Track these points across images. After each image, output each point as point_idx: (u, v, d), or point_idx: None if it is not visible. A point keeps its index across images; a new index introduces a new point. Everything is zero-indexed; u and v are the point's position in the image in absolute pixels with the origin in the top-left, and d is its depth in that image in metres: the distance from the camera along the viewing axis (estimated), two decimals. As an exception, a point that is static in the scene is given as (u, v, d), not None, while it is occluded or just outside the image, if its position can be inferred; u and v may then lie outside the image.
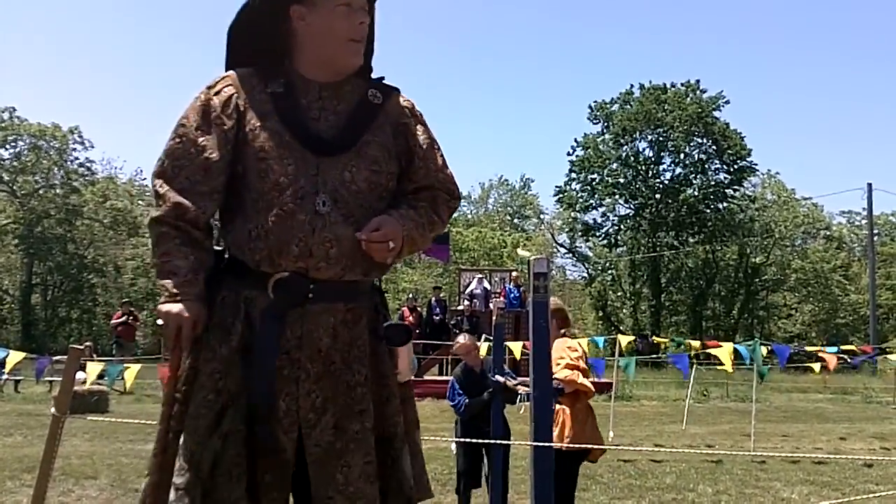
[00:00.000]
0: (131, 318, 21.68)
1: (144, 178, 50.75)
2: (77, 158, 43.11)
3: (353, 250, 2.42)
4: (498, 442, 5.64)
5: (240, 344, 2.41)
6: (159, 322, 2.41)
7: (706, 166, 41.98)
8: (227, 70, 2.64)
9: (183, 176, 2.44)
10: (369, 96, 2.59)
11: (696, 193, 41.55)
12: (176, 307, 2.36)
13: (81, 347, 4.92)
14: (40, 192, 41.80)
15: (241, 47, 2.64)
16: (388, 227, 2.43)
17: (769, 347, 12.10)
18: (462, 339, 6.87)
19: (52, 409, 3.74)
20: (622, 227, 43.15)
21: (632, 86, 43.04)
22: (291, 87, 2.53)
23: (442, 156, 2.70)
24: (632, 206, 42.62)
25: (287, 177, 2.41)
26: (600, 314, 43.60)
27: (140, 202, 47.98)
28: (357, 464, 2.40)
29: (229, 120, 2.48)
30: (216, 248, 2.59)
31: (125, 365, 10.70)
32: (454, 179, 2.72)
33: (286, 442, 2.38)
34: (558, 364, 4.99)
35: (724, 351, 11.29)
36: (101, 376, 10.95)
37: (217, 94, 2.52)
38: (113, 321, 22.48)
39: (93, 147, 43.86)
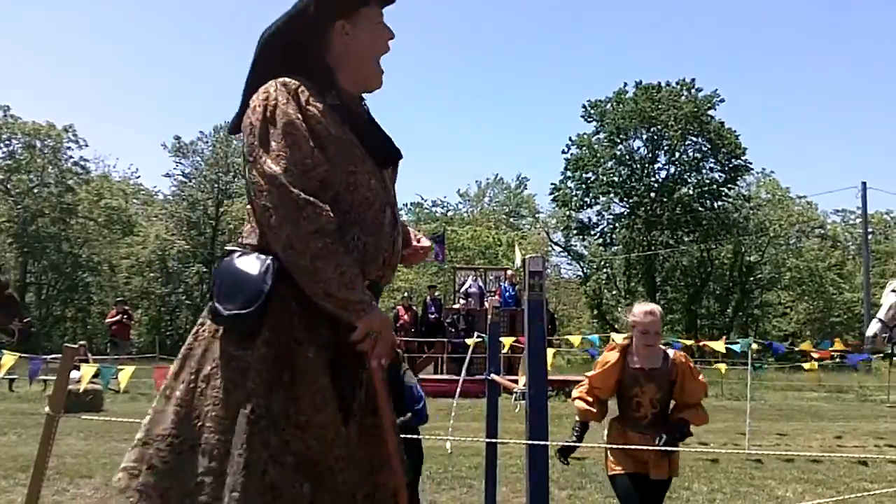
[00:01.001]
0: (126, 317, 21.67)
1: (139, 177, 50.89)
2: (71, 157, 43.15)
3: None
4: (491, 441, 5.63)
5: (328, 346, 2.47)
6: (358, 335, 2.39)
7: (701, 165, 42.03)
8: (255, 76, 2.62)
9: (305, 185, 2.39)
10: (365, 107, 2.71)
11: (690, 192, 41.59)
12: (373, 316, 2.40)
13: (76, 346, 4.91)
14: (34, 190, 41.74)
15: (273, 55, 2.64)
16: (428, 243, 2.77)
17: (762, 344, 12.12)
18: None
19: (47, 409, 3.73)
20: (617, 225, 43.18)
21: (625, 84, 43.13)
22: (344, 101, 2.59)
23: None
24: (627, 205, 42.65)
25: (371, 191, 2.53)
26: (595, 313, 43.64)
27: (134, 201, 47.95)
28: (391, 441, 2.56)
29: (338, 126, 2.52)
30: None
31: (119, 367, 10.67)
32: None
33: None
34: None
35: (719, 344, 11.37)
36: (95, 375, 10.92)
37: (307, 98, 2.51)
38: (108, 320, 22.48)
39: (87, 146, 43.74)
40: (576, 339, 14.45)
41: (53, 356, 12.74)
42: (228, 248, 2.56)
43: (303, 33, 2.62)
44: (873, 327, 6.66)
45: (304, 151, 2.41)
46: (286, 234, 2.35)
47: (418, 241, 2.93)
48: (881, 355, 7.68)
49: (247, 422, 2.34)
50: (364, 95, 2.74)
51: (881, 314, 6.61)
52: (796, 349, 12.04)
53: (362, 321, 2.38)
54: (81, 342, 19.96)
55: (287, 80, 2.52)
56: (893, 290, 6.62)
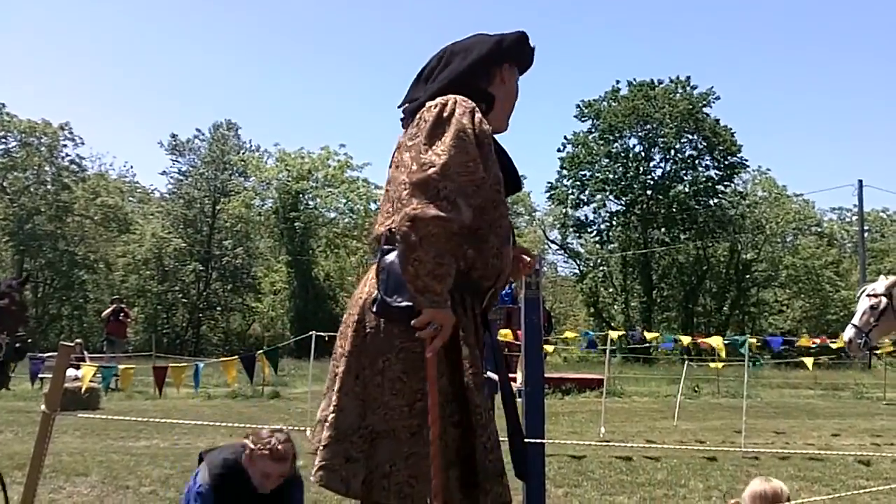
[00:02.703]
0: (122, 314, 21.65)
1: (135, 175, 50.81)
2: (68, 155, 42.97)
3: None
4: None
5: (473, 340, 2.79)
6: (421, 321, 2.59)
7: (696, 163, 42.05)
8: (432, 79, 3.01)
9: (458, 183, 2.61)
10: None
11: (686, 190, 41.60)
12: (446, 312, 2.60)
13: (72, 345, 4.90)
14: (31, 188, 41.65)
15: (451, 65, 3.00)
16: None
17: (759, 341, 12.13)
18: None
19: (43, 407, 3.73)
20: (613, 223, 43.18)
21: (618, 82, 43.14)
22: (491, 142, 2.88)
23: None
24: (623, 203, 42.65)
25: (504, 206, 2.87)
26: (592, 311, 43.66)
27: (131, 199, 47.86)
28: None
29: (488, 149, 2.80)
30: None
31: (119, 367, 10.66)
32: None
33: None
34: None
35: (716, 340, 11.39)
36: (96, 375, 10.93)
37: (480, 119, 2.78)
38: (104, 314, 22.42)
39: (83, 143, 43.61)
40: (571, 335, 14.48)
41: (50, 354, 12.73)
42: (385, 246, 2.75)
43: (484, 57, 2.98)
44: (848, 333, 6.64)
45: (469, 156, 2.65)
46: (412, 206, 2.55)
47: (525, 254, 3.19)
48: (877, 352, 7.68)
49: (426, 406, 2.63)
50: None
51: (855, 320, 6.58)
52: (793, 346, 12.03)
53: (431, 311, 2.57)
54: (78, 340, 19.94)
55: (465, 99, 2.80)
56: (867, 295, 6.60)
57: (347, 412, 2.72)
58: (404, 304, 2.64)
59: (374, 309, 2.73)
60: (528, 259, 3.15)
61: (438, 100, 2.79)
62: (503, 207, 2.85)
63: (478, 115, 2.77)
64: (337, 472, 2.67)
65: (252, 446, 4.02)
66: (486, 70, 2.97)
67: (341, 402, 2.73)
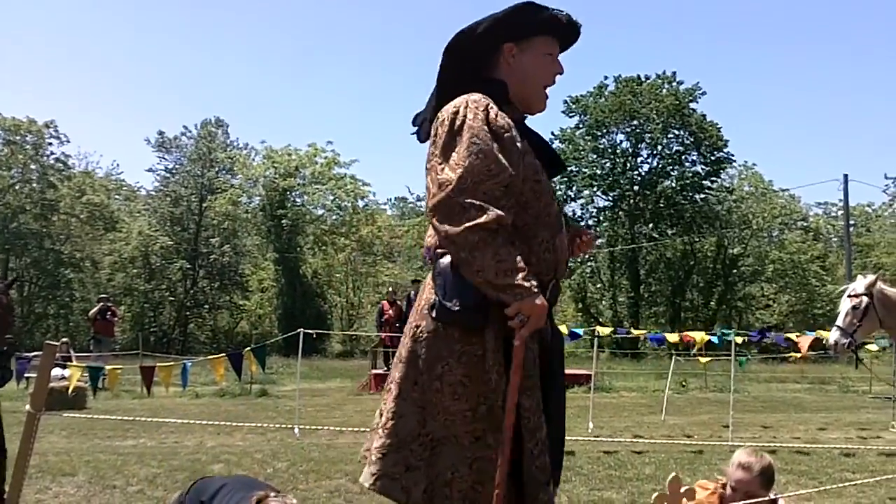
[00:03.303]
0: (109, 313, 21.55)
1: (121, 173, 50.48)
2: (53, 153, 42.75)
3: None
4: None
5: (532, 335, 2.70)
6: (518, 315, 2.58)
7: (683, 158, 42.12)
8: (439, 87, 2.93)
9: (481, 191, 2.58)
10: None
11: (673, 185, 41.67)
12: (540, 300, 2.59)
13: (57, 344, 4.87)
14: (16, 187, 41.41)
15: (452, 67, 2.92)
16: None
17: (746, 338, 12.15)
18: None
19: (28, 406, 3.71)
20: (600, 218, 43.24)
21: (605, 77, 43.18)
22: (518, 115, 2.86)
23: None
24: (610, 198, 42.71)
25: (547, 195, 2.78)
26: (580, 306, 43.72)
27: (117, 197, 47.64)
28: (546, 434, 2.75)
29: (520, 143, 2.74)
30: None
31: (107, 367, 10.61)
32: None
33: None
34: None
35: (698, 335, 11.44)
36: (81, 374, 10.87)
37: (496, 114, 2.72)
38: (91, 313, 22.30)
39: (69, 142, 43.39)
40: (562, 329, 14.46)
41: (36, 354, 12.66)
42: (439, 250, 2.76)
43: (473, 49, 2.89)
44: (833, 335, 6.67)
45: (489, 159, 2.60)
46: (444, 231, 2.59)
47: (583, 233, 3.16)
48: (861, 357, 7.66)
49: (488, 410, 2.63)
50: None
51: (839, 321, 6.61)
52: (783, 340, 12.04)
53: (516, 303, 2.56)
54: (64, 339, 19.83)
55: (478, 97, 2.74)
56: (849, 296, 6.64)
57: (406, 419, 2.68)
58: (461, 307, 2.63)
59: (434, 314, 2.71)
60: (585, 238, 3.14)
61: (449, 108, 2.74)
62: (547, 196, 2.78)
63: (493, 111, 2.71)
64: (397, 481, 2.64)
65: None
66: (486, 59, 2.91)
67: (400, 409, 2.69)
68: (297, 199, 41.79)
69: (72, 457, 8.70)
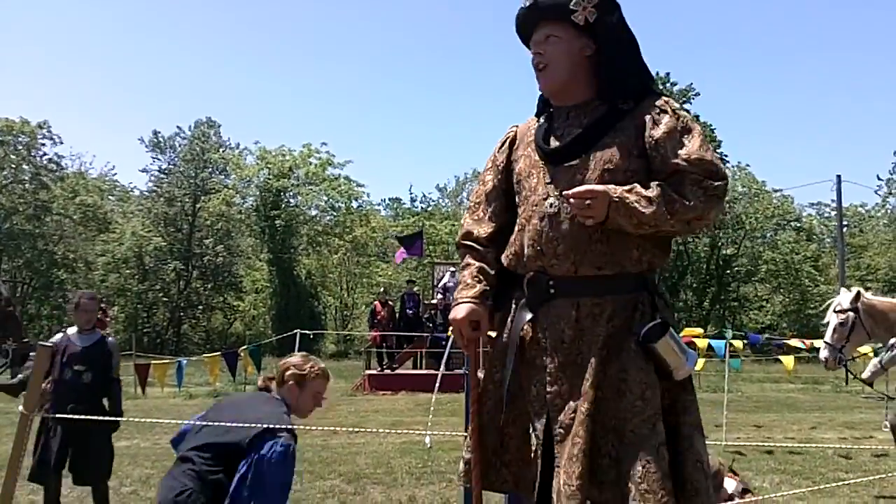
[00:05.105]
0: (102, 314, 21.46)
1: (115, 174, 50.44)
2: (46, 154, 42.67)
3: (578, 245, 2.63)
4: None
5: (508, 337, 2.77)
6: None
7: (677, 158, 42.15)
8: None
9: (473, 206, 3.01)
10: (620, 105, 2.74)
11: (668, 185, 41.74)
12: (454, 311, 2.81)
13: (50, 345, 4.86)
14: (9, 187, 41.27)
15: None
16: (591, 187, 2.56)
17: (744, 341, 12.16)
18: None
19: (21, 407, 3.70)
20: (595, 219, 43.31)
21: (600, 78, 43.20)
22: (550, 116, 2.90)
23: (695, 139, 2.66)
24: (605, 199, 42.76)
25: (531, 189, 2.77)
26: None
27: (110, 197, 47.54)
28: (578, 435, 2.49)
29: (500, 154, 3.00)
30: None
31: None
32: (709, 160, 2.63)
33: (536, 422, 2.65)
34: None
35: (698, 339, 11.46)
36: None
37: (503, 140, 3.05)
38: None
39: (62, 142, 43.36)
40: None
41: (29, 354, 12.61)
42: None
43: None
44: (823, 353, 6.67)
45: (479, 180, 3.05)
46: None
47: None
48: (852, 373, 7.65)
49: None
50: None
51: (827, 337, 6.61)
52: (775, 344, 12.08)
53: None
54: (57, 340, 19.75)
55: (513, 126, 3.09)
56: (835, 311, 6.63)
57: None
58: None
59: None
60: (579, 195, 2.61)
61: None
62: (526, 191, 2.79)
63: (504, 137, 3.05)
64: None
65: (302, 372, 3.91)
66: None
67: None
68: (291, 200, 41.75)
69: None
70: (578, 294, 2.63)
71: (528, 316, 2.70)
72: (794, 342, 12.54)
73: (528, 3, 2.82)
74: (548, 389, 2.61)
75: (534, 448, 2.65)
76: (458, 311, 2.78)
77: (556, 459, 2.54)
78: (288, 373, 3.90)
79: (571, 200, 2.57)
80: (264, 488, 3.39)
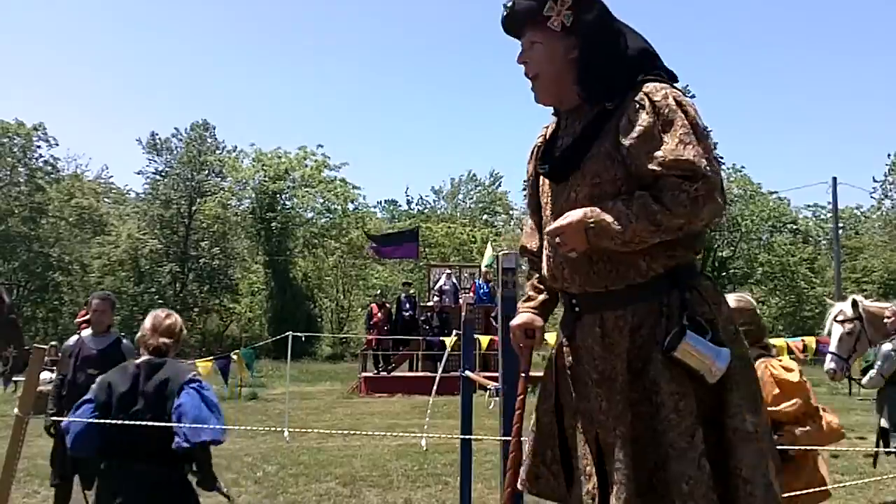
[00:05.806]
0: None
1: (111, 176, 50.37)
2: (41, 156, 42.66)
3: (580, 268, 2.59)
4: (466, 437, 5.63)
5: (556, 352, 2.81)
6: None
7: (673, 161, 42.22)
8: None
9: (527, 217, 3.03)
10: (607, 106, 2.62)
11: (663, 188, 41.82)
12: (515, 322, 2.87)
13: (45, 347, 4.85)
14: (4, 189, 41.26)
15: None
16: (560, 223, 2.51)
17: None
18: None
19: (16, 410, 3.70)
20: (591, 222, 43.38)
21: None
22: (558, 121, 2.86)
23: (674, 135, 2.46)
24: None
25: (544, 208, 2.80)
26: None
27: (106, 200, 47.49)
28: (619, 459, 2.44)
29: (529, 165, 2.94)
30: None
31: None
32: (686, 160, 2.42)
33: (586, 435, 2.61)
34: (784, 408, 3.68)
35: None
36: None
37: (532, 148, 2.97)
38: (78, 319, 22.22)
39: (57, 145, 43.33)
40: (551, 337, 14.45)
41: (24, 357, 12.59)
42: None
43: None
44: (829, 364, 6.58)
45: (529, 191, 2.96)
46: None
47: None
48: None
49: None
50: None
51: (832, 348, 6.51)
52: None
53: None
54: (52, 343, 19.74)
55: (544, 127, 2.98)
56: (837, 321, 6.55)
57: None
58: None
59: None
60: (551, 233, 2.61)
61: None
62: (545, 209, 2.76)
63: (533, 145, 2.97)
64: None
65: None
66: None
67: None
68: (288, 203, 41.79)
69: (60, 461, 8.66)
70: (600, 308, 2.57)
71: (567, 332, 2.72)
72: (779, 341, 12.49)
73: (505, 12, 2.73)
74: (593, 406, 2.57)
75: (584, 466, 2.59)
76: (515, 319, 2.88)
77: (606, 477, 2.51)
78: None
79: (554, 238, 2.55)
80: (207, 402, 3.91)
